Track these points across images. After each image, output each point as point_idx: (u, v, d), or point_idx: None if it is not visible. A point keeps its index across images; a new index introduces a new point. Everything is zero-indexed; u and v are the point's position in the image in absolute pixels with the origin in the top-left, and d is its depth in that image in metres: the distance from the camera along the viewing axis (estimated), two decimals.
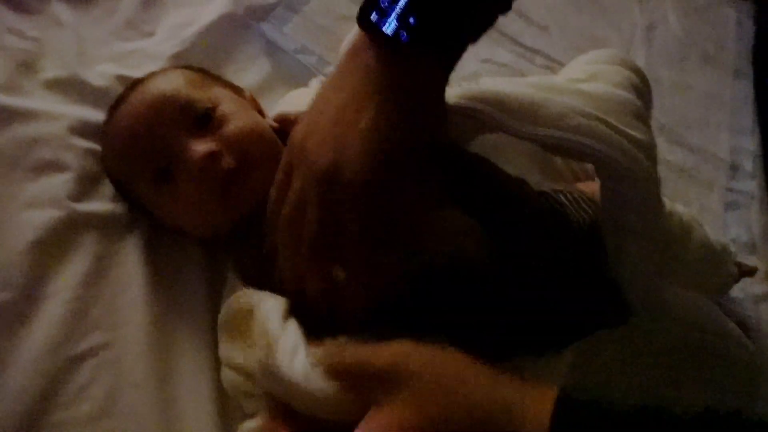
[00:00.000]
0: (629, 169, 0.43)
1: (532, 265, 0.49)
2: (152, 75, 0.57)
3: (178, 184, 0.51)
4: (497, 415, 0.32)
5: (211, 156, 0.49)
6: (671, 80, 0.87)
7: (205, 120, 0.51)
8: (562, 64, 0.83)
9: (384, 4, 0.37)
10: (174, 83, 0.53)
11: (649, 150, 0.44)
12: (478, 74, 0.76)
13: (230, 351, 0.47)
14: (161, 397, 0.49)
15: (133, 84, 0.56)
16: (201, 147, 0.49)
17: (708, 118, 0.84)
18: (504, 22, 0.84)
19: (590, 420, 0.31)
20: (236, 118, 0.52)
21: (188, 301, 0.54)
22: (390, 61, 0.38)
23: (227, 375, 0.48)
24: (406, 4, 0.37)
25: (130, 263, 0.54)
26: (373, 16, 0.37)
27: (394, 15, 0.37)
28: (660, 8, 0.96)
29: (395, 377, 0.35)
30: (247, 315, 0.46)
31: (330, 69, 0.72)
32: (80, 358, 0.48)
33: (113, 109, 0.55)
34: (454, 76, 0.42)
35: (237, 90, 0.59)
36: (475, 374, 0.35)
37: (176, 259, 0.56)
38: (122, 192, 0.56)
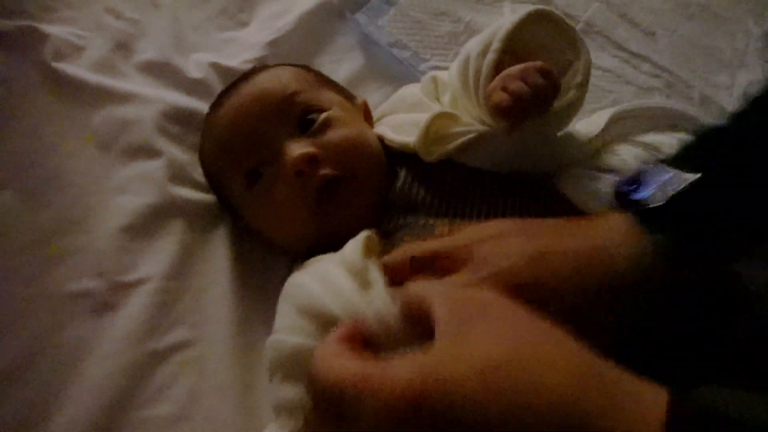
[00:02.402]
0: None
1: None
2: (265, 67, 0.55)
3: (270, 184, 0.47)
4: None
5: (309, 159, 0.45)
6: None
7: (309, 121, 0.48)
8: (669, 72, 0.78)
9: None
10: (285, 78, 0.50)
11: None
12: None
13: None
14: (243, 404, 0.46)
15: (246, 75, 0.54)
16: (299, 149, 0.46)
17: None
18: (608, 26, 0.80)
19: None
20: (342, 124, 0.48)
21: (273, 302, 0.51)
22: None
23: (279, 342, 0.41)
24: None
25: (217, 257, 0.52)
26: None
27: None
28: None
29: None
30: None
31: (425, 65, 0.69)
32: (164, 354, 0.46)
33: (220, 98, 0.53)
34: None
35: (349, 96, 0.56)
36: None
37: (262, 255, 0.53)
38: (213, 186, 0.54)
